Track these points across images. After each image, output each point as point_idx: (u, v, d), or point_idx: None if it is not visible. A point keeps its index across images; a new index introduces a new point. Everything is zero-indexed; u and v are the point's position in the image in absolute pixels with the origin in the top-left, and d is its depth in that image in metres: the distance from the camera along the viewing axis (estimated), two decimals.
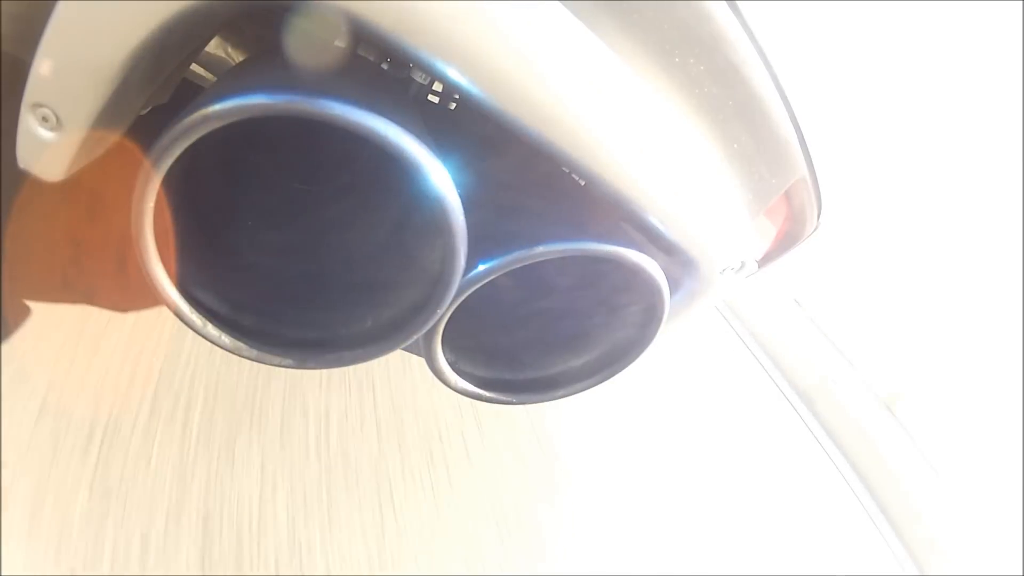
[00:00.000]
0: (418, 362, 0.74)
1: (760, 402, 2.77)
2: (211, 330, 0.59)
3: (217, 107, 0.46)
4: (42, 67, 0.48)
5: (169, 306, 0.56)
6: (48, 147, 0.52)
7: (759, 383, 2.89)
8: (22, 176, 0.55)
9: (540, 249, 0.61)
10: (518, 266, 0.61)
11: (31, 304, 0.94)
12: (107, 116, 0.51)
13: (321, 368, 0.64)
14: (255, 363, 0.62)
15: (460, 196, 0.53)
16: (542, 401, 0.80)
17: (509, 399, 0.78)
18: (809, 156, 0.70)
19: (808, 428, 2.76)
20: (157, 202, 0.50)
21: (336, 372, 1.22)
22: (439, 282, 0.58)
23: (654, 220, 0.63)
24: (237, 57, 0.96)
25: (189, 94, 0.55)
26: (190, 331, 0.59)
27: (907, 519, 2.42)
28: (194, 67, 0.95)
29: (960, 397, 2.64)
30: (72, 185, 0.58)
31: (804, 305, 3.14)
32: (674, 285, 0.72)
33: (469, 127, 0.74)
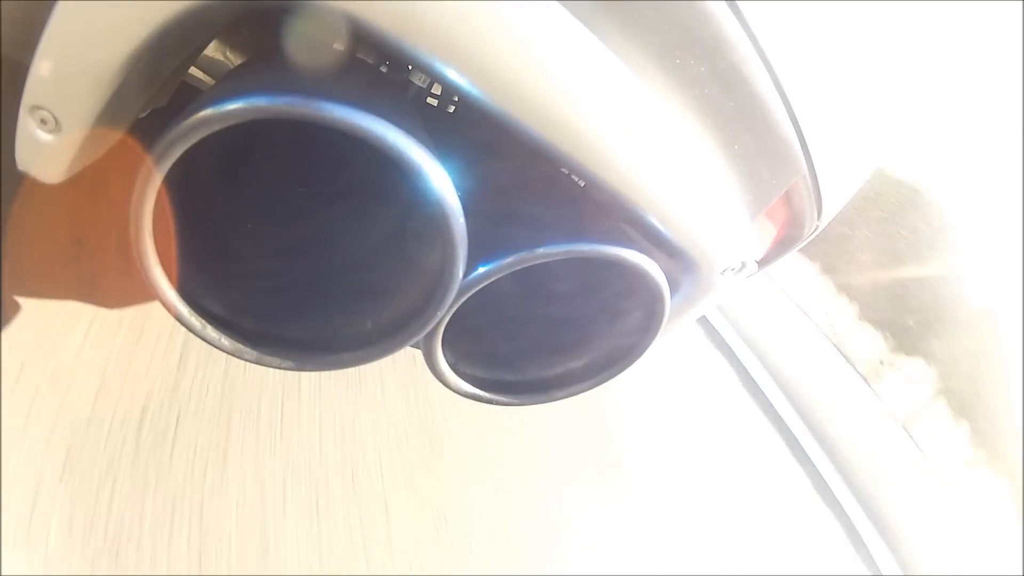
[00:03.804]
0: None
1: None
2: (211, 332, 0.59)
3: (216, 110, 0.46)
4: (41, 69, 0.48)
5: (168, 308, 0.56)
6: (47, 149, 0.52)
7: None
8: (22, 175, 0.55)
9: (540, 251, 0.61)
10: (518, 268, 0.61)
11: (31, 302, 0.94)
12: (106, 118, 0.51)
13: (321, 370, 0.64)
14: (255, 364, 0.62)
15: (460, 198, 0.53)
16: (542, 402, 0.80)
17: (509, 400, 0.78)
18: (809, 156, 0.70)
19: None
20: (156, 204, 0.49)
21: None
22: (439, 284, 0.58)
23: (654, 221, 0.63)
24: (236, 60, 0.96)
25: (188, 97, 0.55)
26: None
27: (897, 518, 2.40)
28: (193, 70, 0.95)
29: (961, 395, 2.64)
30: (74, 183, 0.58)
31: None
32: (674, 286, 0.72)
33: (469, 129, 0.74)
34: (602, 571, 1.37)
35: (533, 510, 1.35)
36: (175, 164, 0.48)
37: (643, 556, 1.49)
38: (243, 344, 0.61)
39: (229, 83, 0.55)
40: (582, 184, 0.69)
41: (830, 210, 0.81)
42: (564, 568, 1.30)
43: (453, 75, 0.48)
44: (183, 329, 0.58)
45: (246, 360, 0.62)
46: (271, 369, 0.63)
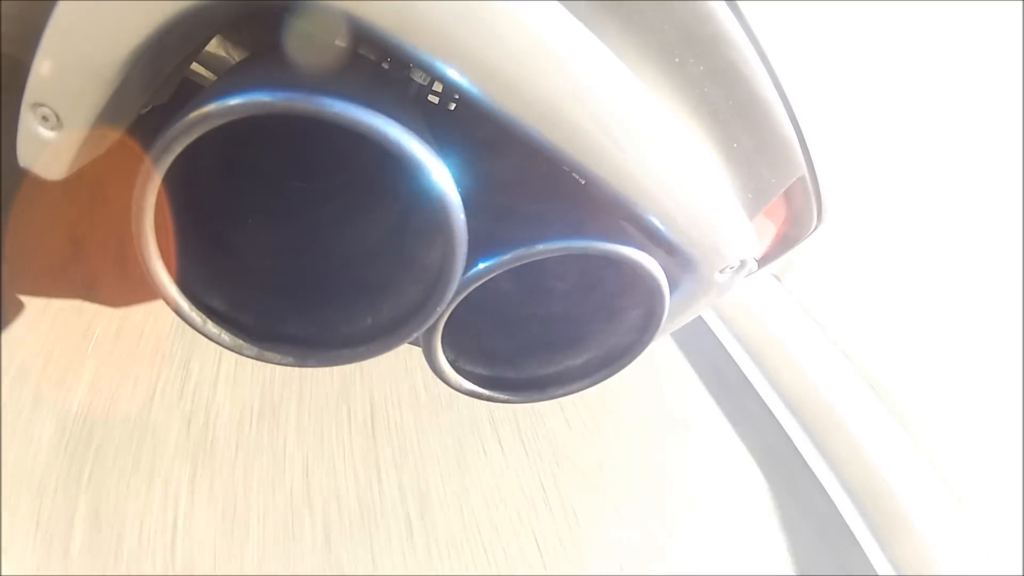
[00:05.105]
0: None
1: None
2: (211, 328, 0.59)
3: (217, 105, 0.46)
4: (42, 67, 0.48)
5: (169, 303, 0.56)
6: (49, 146, 0.52)
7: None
8: (22, 173, 0.55)
9: (540, 247, 0.61)
10: (518, 264, 0.61)
11: (31, 300, 0.94)
12: (107, 115, 0.51)
13: (321, 366, 0.64)
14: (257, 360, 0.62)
15: (460, 195, 0.53)
16: (541, 400, 0.80)
17: (509, 398, 0.78)
18: (809, 156, 0.70)
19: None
20: (157, 200, 0.50)
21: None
22: (439, 280, 0.58)
23: (654, 220, 0.63)
24: (237, 56, 0.96)
25: (190, 93, 0.55)
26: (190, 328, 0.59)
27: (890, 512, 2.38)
28: (195, 66, 0.95)
29: (962, 398, 2.63)
30: (72, 182, 0.58)
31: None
32: (673, 284, 0.72)
33: (469, 127, 0.74)
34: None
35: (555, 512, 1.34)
36: (176, 160, 0.48)
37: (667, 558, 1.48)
38: (244, 340, 0.61)
39: (230, 79, 0.55)
40: (582, 182, 0.69)
41: (831, 209, 0.82)
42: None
43: (453, 74, 0.48)
44: (184, 326, 0.58)
45: (246, 356, 0.62)
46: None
